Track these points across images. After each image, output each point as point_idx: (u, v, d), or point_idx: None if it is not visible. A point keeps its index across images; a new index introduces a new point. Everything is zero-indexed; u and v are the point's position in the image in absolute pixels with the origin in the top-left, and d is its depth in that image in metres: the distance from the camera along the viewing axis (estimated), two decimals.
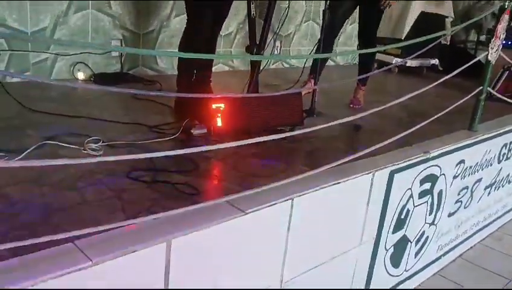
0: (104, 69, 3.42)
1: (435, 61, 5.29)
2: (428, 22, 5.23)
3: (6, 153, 1.88)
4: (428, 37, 2.02)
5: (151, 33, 3.66)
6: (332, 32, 3.25)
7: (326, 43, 3.04)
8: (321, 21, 3.12)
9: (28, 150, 1.93)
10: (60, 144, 2.06)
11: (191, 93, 2.80)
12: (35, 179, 1.73)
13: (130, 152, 2.11)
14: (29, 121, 2.34)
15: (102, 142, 2.13)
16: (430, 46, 2.29)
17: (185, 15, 3.70)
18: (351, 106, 3.44)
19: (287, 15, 2.56)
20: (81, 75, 3.30)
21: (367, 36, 3.41)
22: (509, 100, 3.22)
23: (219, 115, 2.32)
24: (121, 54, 3.50)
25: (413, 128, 2.17)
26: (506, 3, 2.50)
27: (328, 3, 2.98)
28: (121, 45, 3.50)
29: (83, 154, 2.01)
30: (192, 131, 2.40)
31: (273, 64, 4.69)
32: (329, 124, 1.82)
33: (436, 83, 2.20)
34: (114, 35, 3.45)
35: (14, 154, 1.88)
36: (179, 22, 3.77)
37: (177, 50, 3.71)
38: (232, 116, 2.36)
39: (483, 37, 5.94)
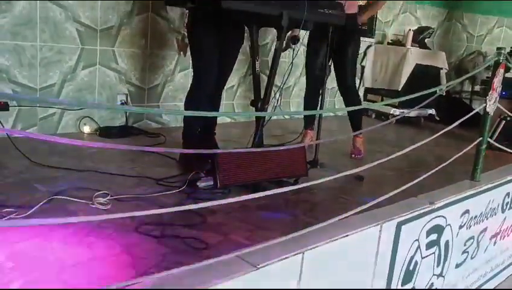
0: (110, 123, 3.48)
1: (432, 111, 5.40)
2: (423, 74, 5.40)
3: (16, 208, 1.89)
4: (430, 90, 2.08)
5: (155, 87, 3.76)
6: (319, 79, 3.36)
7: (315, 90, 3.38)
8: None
9: (37, 206, 1.94)
10: (69, 198, 2.07)
11: (197, 146, 2.85)
12: (44, 234, 1.73)
13: (138, 206, 2.13)
14: (38, 176, 2.36)
15: (110, 196, 2.15)
16: (431, 99, 2.36)
17: (189, 70, 3.85)
18: (352, 156, 3.48)
19: (290, 70, 2.64)
20: (86, 129, 3.35)
21: (345, 84, 3.49)
22: (508, 150, 3.27)
23: (224, 167, 2.35)
24: None
25: (419, 179, 2.21)
26: (501, 58, 2.60)
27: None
28: (127, 99, 3.58)
29: (91, 209, 2.02)
30: (198, 184, 2.42)
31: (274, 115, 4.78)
32: (335, 176, 1.85)
33: (438, 133, 2.26)
34: (120, 90, 3.54)
35: (23, 209, 1.89)
36: (182, 77, 3.89)
37: (180, 103, 3.82)
38: (238, 169, 2.39)
39: (477, 87, 6.10)
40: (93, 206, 2.04)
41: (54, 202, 2.04)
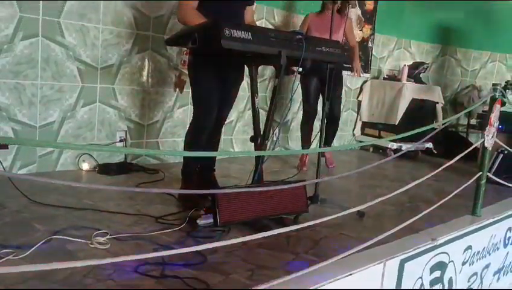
0: (109, 159, 3.47)
1: (429, 145, 5.42)
2: (419, 108, 5.47)
3: (14, 249, 1.87)
4: (429, 127, 2.10)
5: (155, 124, 3.78)
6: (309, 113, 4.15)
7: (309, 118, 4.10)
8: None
9: (35, 246, 1.91)
10: (67, 238, 2.05)
11: (196, 183, 2.85)
12: (43, 275, 1.70)
13: (138, 245, 2.10)
14: (37, 214, 2.34)
15: (110, 235, 2.12)
16: (431, 134, 2.38)
17: (188, 106, 3.88)
18: (331, 166, 4.34)
19: (290, 107, 2.67)
20: (85, 166, 3.35)
21: (332, 112, 3.97)
22: (507, 184, 3.27)
23: (225, 205, 2.33)
24: (125, 144, 3.58)
25: (420, 215, 2.20)
26: (497, 94, 2.64)
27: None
28: (126, 136, 3.59)
29: (90, 248, 1.99)
30: (198, 221, 2.39)
31: (272, 149, 4.79)
32: (339, 214, 1.84)
33: (440, 168, 2.27)
34: (119, 127, 3.55)
35: (22, 250, 1.86)
36: (181, 113, 3.91)
37: (179, 139, 3.83)
38: (238, 206, 2.37)
39: (473, 121, 6.16)
40: (92, 246, 2.01)
41: (52, 242, 2.01)
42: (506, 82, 5.04)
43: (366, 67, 5.73)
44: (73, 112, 3.30)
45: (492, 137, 2.72)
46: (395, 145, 5.21)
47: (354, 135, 5.77)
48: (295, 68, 3.48)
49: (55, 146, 3.10)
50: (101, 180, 3.17)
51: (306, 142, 4.23)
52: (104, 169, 3.33)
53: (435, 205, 2.40)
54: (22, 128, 3.05)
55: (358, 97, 5.74)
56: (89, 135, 3.40)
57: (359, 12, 5.49)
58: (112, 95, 3.49)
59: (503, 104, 2.91)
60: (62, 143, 3.19)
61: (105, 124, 3.48)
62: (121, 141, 3.56)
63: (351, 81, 5.52)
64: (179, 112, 3.91)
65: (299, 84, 4.03)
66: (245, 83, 3.45)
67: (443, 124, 2.75)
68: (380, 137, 5.50)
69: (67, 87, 3.24)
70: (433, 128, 2.49)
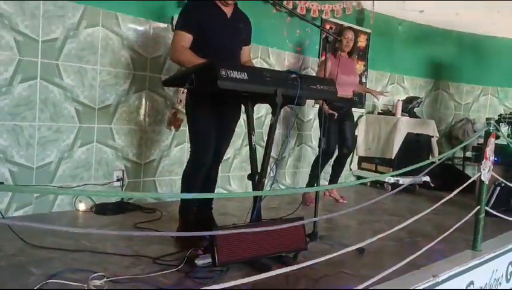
0: (105, 199, 3.45)
1: (426, 178, 5.43)
2: (415, 142, 5.51)
3: None
4: (426, 162, 2.12)
5: (152, 162, 3.78)
6: (328, 154, 4.18)
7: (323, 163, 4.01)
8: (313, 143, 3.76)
9: None
10: (64, 282, 2.01)
11: (194, 222, 2.83)
12: None
13: (135, 287, 2.06)
14: (32, 258, 2.31)
15: (107, 277, 2.09)
16: (429, 168, 2.39)
17: (185, 144, 3.90)
18: (344, 201, 4.47)
19: (287, 144, 2.68)
20: (82, 207, 3.32)
21: (348, 148, 4.42)
22: (506, 217, 3.26)
23: (223, 245, 2.31)
24: (122, 183, 3.57)
25: (421, 251, 2.18)
26: (491, 128, 2.67)
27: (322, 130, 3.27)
28: (123, 175, 3.58)
29: None
30: (196, 261, 2.36)
31: (270, 186, 4.78)
32: (338, 252, 1.82)
33: (439, 203, 2.28)
34: (116, 166, 3.55)
35: None
36: (179, 151, 3.93)
37: (176, 177, 3.82)
38: (236, 246, 2.35)
39: (468, 153, 6.20)
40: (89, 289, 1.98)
41: (49, 286, 1.98)
42: (499, 115, 5.10)
43: (360, 103, 5.81)
44: (71, 152, 3.30)
45: (488, 171, 2.73)
46: (392, 179, 5.21)
47: (351, 169, 5.78)
48: (330, 110, 3.97)
49: (50, 192, 3.09)
50: (98, 221, 3.14)
51: (315, 178, 4.15)
52: (101, 209, 3.31)
53: (435, 241, 2.39)
54: (18, 170, 3.05)
55: None
56: (86, 175, 3.40)
57: None
58: (109, 134, 3.51)
59: (497, 137, 2.94)
60: (55, 189, 3.19)
61: (102, 164, 3.48)
62: (118, 180, 3.55)
63: None
64: (175, 150, 3.92)
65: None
66: (241, 120, 3.49)
67: (440, 159, 2.75)
68: (376, 171, 5.51)
69: (64, 128, 3.26)
70: (431, 162, 2.50)
